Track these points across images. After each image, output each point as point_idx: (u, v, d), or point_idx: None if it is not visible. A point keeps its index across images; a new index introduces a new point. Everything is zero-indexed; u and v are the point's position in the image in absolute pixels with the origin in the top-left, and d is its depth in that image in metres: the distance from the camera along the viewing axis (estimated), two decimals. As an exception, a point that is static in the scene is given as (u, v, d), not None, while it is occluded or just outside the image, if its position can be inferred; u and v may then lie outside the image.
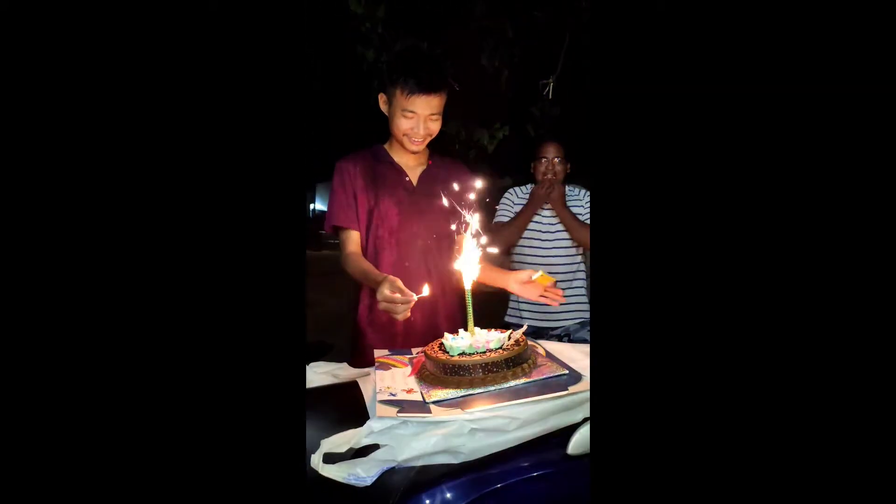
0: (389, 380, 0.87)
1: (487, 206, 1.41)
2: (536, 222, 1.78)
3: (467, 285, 0.95)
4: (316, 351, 1.30)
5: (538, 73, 4.85)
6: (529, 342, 1.03)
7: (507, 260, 1.88)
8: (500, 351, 0.85)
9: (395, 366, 0.94)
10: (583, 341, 1.50)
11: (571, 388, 0.77)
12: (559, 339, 1.67)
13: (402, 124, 1.15)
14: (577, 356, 0.93)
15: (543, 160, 1.78)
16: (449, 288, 1.24)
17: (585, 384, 0.78)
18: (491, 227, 1.81)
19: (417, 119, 1.14)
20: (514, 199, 1.85)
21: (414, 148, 1.18)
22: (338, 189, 1.21)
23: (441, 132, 4.71)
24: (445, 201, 1.10)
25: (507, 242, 1.79)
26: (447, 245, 1.23)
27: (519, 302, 1.79)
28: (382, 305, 0.97)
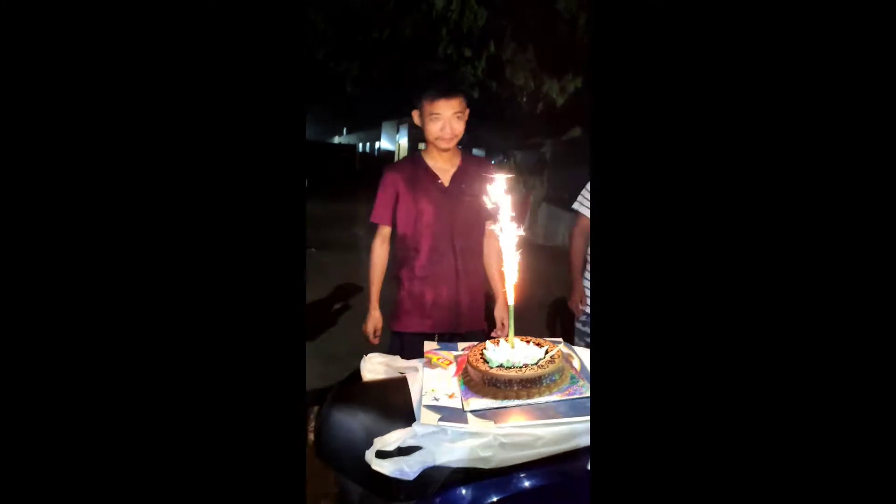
0: (435, 381, 0.98)
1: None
2: None
3: (510, 300, 1.02)
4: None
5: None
6: (568, 350, 1.10)
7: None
8: (536, 367, 0.93)
9: (441, 366, 1.05)
10: None
11: (597, 413, 0.84)
12: None
13: (432, 128, 1.40)
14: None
15: None
16: (471, 269, 1.51)
17: (611, 410, 0.85)
18: (577, 219, 1.81)
19: (444, 120, 1.38)
20: None
21: (443, 146, 1.42)
22: (379, 192, 1.51)
23: (508, 83, 4.58)
24: (487, 201, 1.27)
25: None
26: (475, 233, 1.51)
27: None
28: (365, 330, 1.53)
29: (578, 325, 1.84)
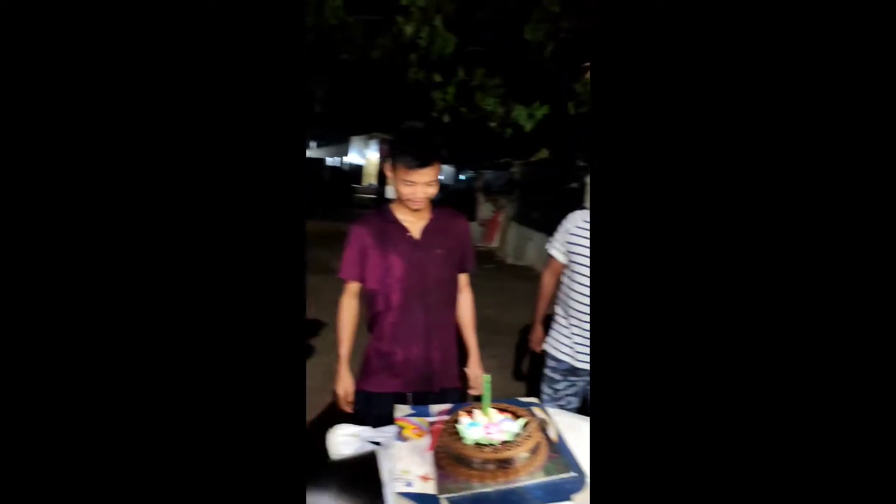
0: (407, 460, 0.94)
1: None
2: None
3: (487, 373, 0.99)
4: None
5: (584, 51, 4.57)
6: (544, 415, 1.07)
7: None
8: (513, 446, 0.90)
9: (412, 437, 1.01)
10: None
11: (574, 498, 0.82)
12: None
13: (404, 191, 1.35)
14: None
15: None
16: (444, 324, 1.47)
17: (587, 495, 0.83)
18: (548, 258, 1.76)
19: (416, 187, 1.33)
20: (570, 228, 1.64)
21: (415, 208, 1.39)
22: (347, 248, 1.45)
23: (477, 109, 4.58)
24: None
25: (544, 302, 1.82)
26: (447, 287, 1.47)
27: (559, 333, 1.72)
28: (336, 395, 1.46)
29: (546, 347, 1.81)
